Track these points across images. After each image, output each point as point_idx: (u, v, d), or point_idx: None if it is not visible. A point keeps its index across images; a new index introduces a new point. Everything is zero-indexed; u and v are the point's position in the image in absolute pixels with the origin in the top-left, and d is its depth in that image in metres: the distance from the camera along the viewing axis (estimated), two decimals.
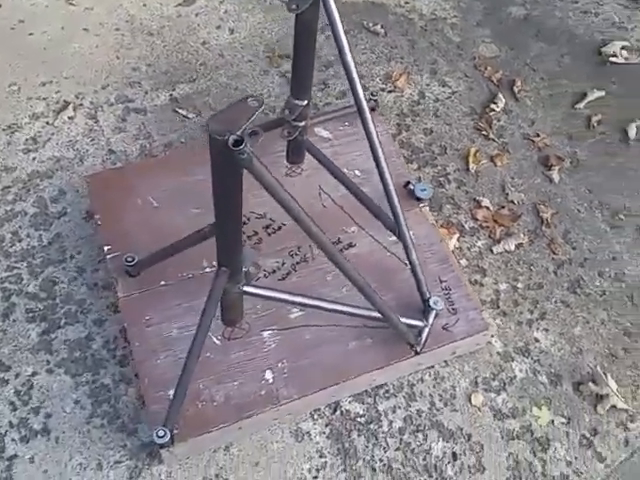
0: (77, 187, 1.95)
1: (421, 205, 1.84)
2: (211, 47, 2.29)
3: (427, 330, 1.61)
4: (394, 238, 1.79)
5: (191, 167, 1.86)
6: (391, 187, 1.62)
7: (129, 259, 1.65)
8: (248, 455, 1.60)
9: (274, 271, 1.73)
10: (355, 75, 1.51)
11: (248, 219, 1.80)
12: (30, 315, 1.75)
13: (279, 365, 1.60)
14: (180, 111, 2.13)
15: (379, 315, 1.55)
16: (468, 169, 2.07)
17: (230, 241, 1.30)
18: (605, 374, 1.73)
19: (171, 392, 1.53)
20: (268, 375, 1.59)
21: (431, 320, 1.62)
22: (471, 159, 2.08)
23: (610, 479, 1.63)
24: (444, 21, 2.43)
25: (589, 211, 2.03)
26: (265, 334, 1.64)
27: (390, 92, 2.22)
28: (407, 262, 1.74)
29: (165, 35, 2.31)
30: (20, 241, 1.85)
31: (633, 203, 2.06)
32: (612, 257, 1.95)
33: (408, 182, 1.85)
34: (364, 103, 1.55)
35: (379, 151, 1.62)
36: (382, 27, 2.37)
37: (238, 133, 1.05)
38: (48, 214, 1.91)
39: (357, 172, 1.90)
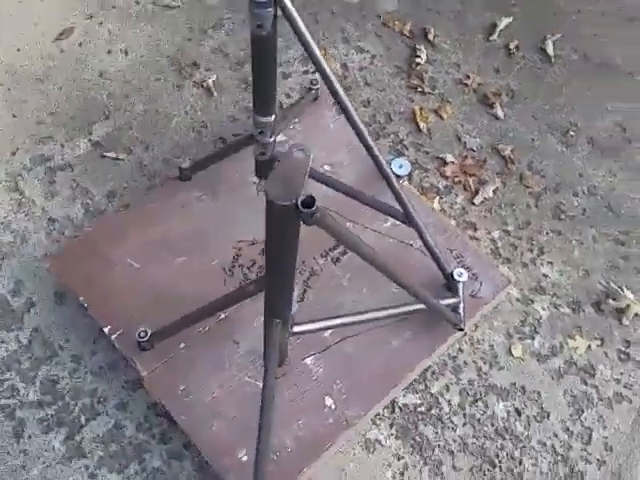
0: (33, 271, 1.75)
1: (401, 182, 1.81)
2: (111, 75, 2.09)
3: (462, 304, 1.60)
4: (388, 224, 1.76)
5: (156, 216, 1.72)
6: (384, 164, 1.54)
7: (142, 334, 1.51)
8: None
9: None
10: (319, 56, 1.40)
11: (239, 249, 1.69)
12: (45, 425, 1.57)
13: (334, 387, 1.54)
14: (108, 155, 1.94)
15: (414, 307, 1.52)
16: (420, 129, 2.05)
17: (285, 294, 1.20)
18: (620, 287, 1.80)
19: (240, 454, 1.44)
20: (328, 401, 1.52)
21: (461, 293, 1.61)
22: (419, 119, 2.05)
23: None
24: None
25: (542, 137, 2.08)
26: (308, 361, 1.56)
27: (315, 73, 2.14)
28: (411, 243, 1.71)
29: (55, 77, 2.08)
30: None
31: (576, 117, 2.12)
32: (579, 174, 2.02)
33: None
34: (336, 83, 1.44)
35: (364, 132, 1.53)
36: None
37: (303, 194, 0.96)
38: (14, 310, 1.69)
39: (327, 167, 1.83)
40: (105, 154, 1.94)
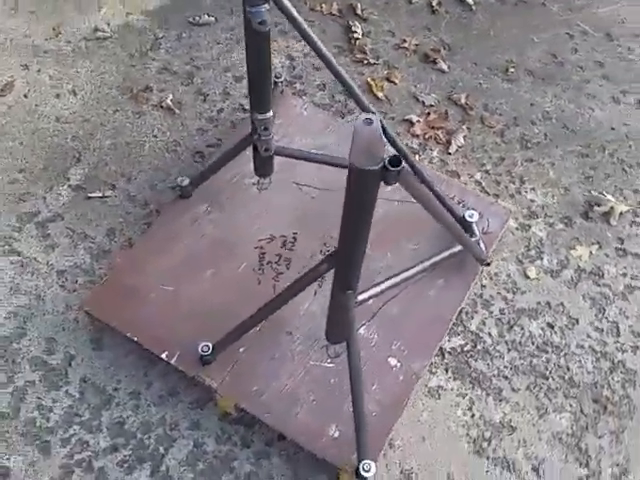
0: (60, 325, 1.72)
1: (386, 148, 1.90)
2: (68, 118, 2.07)
3: (481, 241, 1.72)
4: (388, 188, 1.84)
5: (171, 239, 1.74)
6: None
7: (205, 349, 1.53)
8: (411, 437, 1.63)
9: (323, 277, 1.70)
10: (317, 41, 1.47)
11: (262, 248, 1.74)
12: (126, 466, 1.56)
13: (393, 348, 1.62)
14: (93, 195, 1.93)
15: (442, 256, 1.63)
16: (378, 98, 2.15)
17: (360, 263, 1.27)
18: (600, 193, 1.98)
19: (331, 432, 1.51)
20: (392, 362, 1.60)
21: (477, 231, 1.73)
22: (375, 89, 2.15)
23: None
24: None
25: (487, 79, 2.23)
26: (362, 331, 1.64)
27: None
28: (413, 200, 1.81)
29: (12, 133, 2.03)
30: (52, 411, 1.62)
31: (510, 54, 2.29)
32: (530, 104, 2.18)
33: None
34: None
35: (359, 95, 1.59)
36: (210, 16, 2.30)
37: (389, 155, 1.03)
38: (55, 368, 1.67)
39: (313, 151, 1.90)
40: (90, 195, 1.93)
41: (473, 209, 1.79)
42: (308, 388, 1.56)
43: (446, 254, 1.63)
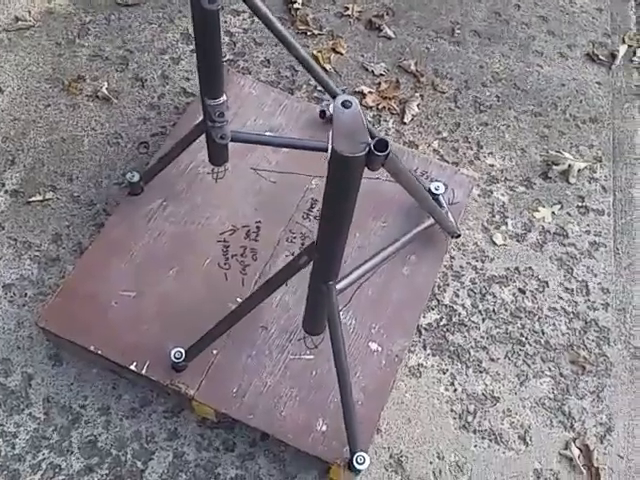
0: (14, 344, 1.60)
1: None
2: None
3: (449, 213, 1.68)
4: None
5: (127, 239, 1.63)
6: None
7: (177, 355, 1.45)
8: (397, 420, 1.60)
9: None
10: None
11: (225, 241, 1.65)
12: None
13: (373, 332, 1.57)
14: (33, 199, 1.79)
15: (414, 232, 1.59)
16: (327, 71, 2.06)
17: (341, 253, 1.20)
18: (557, 152, 1.96)
19: (319, 426, 1.46)
20: (373, 346, 1.55)
21: (444, 203, 1.69)
22: (322, 61, 2.07)
23: (617, 221, 1.90)
24: None
25: (434, 43, 2.17)
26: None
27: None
28: (377, 177, 1.75)
29: None
30: (16, 436, 1.50)
31: (454, 16, 2.23)
32: (479, 66, 2.14)
33: (322, 111, 1.81)
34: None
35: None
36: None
37: (375, 139, 0.96)
38: (14, 390, 1.55)
39: (269, 133, 1.80)
40: (29, 200, 1.79)
41: (438, 181, 1.74)
42: (290, 384, 1.50)
43: (419, 229, 1.58)
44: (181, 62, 2.05)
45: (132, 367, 1.48)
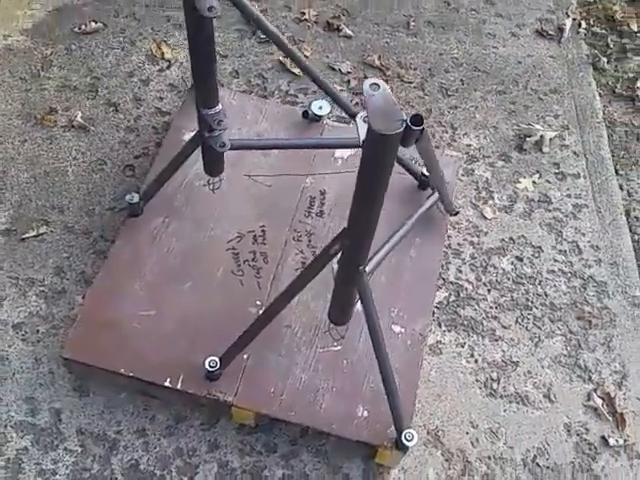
0: (36, 381, 1.57)
1: (326, 122, 1.87)
2: None
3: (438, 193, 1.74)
4: (339, 163, 1.82)
5: (135, 261, 1.62)
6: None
7: (212, 364, 1.45)
8: (427, 398, 1.64)
9: (303, 263, 1.66)
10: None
11: (234, 249, 1.66)
12: None
13: (392, 315, 1.61)
14: (27, 235, 1.76)
15: (419, 213, 1.64)
16: (296, 75, 2.10)
17: (372, 235, 1.24)
18: (528, 124, 2.06)
19: (359, 412, 1.49)
20: (396, 329, 1.59)
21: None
22: (290, 66, 2.10)
23: (594, 182, 2.00)
24: None
25: (392, 37, 2.24)
26: (358, 307, 1.60)
27: (169, 67, 2.08)
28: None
29: None
30: (56, 473, 1.47)
31: (406, 9, 2.31)
32: (439, 54, 2.22)
33: (305, 111, 1.85)
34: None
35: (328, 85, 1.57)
36: (97, 22, 2.14)
37: (411, 114, 1.00)
38: (44, 427, 1.52)
39: (256, 137, 1.83)
40: (24, 236, 1.76)
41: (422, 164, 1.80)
42: (324, 376, 1.52)
43: (422, 211, 1.64)
44: (151, 83, 2.05)
45: (166, 384, 1.48)
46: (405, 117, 1.01)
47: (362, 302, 1.34)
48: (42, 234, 1.77)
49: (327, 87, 1.64)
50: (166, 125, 1.96)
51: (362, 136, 1.11)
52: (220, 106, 1.49)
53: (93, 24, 2.13)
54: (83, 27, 2.12)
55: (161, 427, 1.55)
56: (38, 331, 1.64)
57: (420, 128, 1.02)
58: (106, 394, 1.57)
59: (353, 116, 1.63)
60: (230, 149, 1.56)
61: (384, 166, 1.08)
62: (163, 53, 2.10)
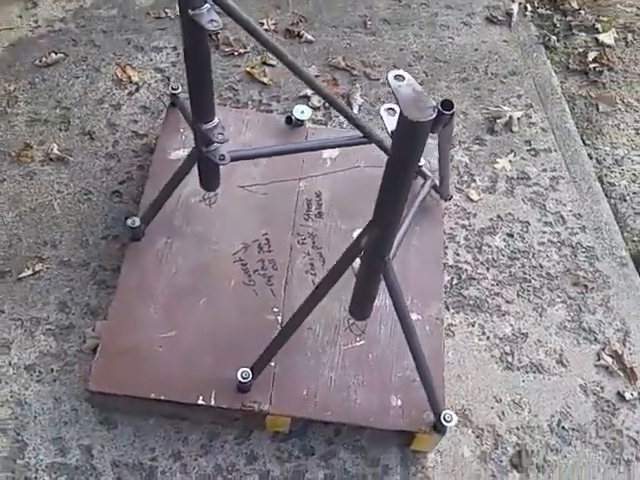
0: (60, 420, 1.53)
1: (308, 126, 1.89)
2: None
3: (435, 179, 1.79)
4: (328, 164, 1.85)
5: (145, 285, 1.61)
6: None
7: (245, 375, 1.45)
8: (449, 380, 1.67)
9: (312, 265, 1.67)
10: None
11: (241, 260, 1.66)
12: None
13: (407, 304, 1.60)
14: (23, 275, 1.71)
15: (417, 205, 1.68)
16: (266, 84, 2.12)
17: (398, 226, 1.26)
18: (496, 107, 2.13)
19: (394, 402, 1.51)
20: (414, 316, 1.62)
21: (428, 172, 1.79)
22: (258, 76, 2.11)
23: (565, 154, 2.08)
24: None
25: (351, 37, 2.29)
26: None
27: (138, 90, 2.06)
28: (358, 165, 1.84)
29: None
30: None
31: (359, 9, 2.37)
32: (399, 49, 2.28)
33: (289, 117, 1.86)
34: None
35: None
36: (56, 53, 2.10)
37: (441, 99, 1.04)
38: (78, 466, 1.48)
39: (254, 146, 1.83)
40: (20, 276, 1.71)
41: None
42: (353, 372, 1.54)
43: (420, 199, 1.68)
44: (122, 107, 2.02)
45: (200, 402, 1.46)
46: (434, 104, 1.05)
47: (390, 292, 1.36)
48: (38, 271, 1.72)
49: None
50: (145, 147, 1.95)
51: (390, 127, 1.15)
52: (217, 119, 1.50)
53: (54, 55, 2.09)
54: (44, 59, 2.08)
55: (196, 447, 1.53)
56: (52, 370, 1.60)
57: (450, 112, 1.06)
58: (134, 423, 1.55)
59: (368, 136, 1.62)
60: (230, 161, 1.57)
61: (415, 153, 1.11)
62: (130, 76, 2.08)
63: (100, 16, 2.23)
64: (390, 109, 1.22)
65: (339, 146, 1.74)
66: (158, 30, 2.21)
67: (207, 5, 1.26)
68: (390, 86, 1.06)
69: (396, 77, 1.07)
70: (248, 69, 2.14)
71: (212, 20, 1.26)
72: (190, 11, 1.25)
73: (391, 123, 1.14)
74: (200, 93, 1.43)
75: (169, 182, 1.61)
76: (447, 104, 1.08)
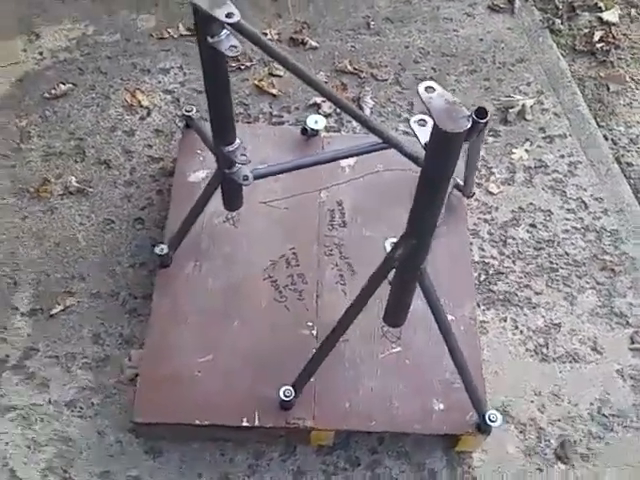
0: (106, 454, 1.54)
1: (323, 135, 1.89)
2: None
3: (457, 178, 1.78)
4: (347, 171, 1.84)
5: (178, 309, 1.61)
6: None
7: (287, 393, 1.46)
8: (486, 377, 1.67)
9: (341, 276, 1.68)
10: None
11: (270, 277, 1.66)
12: None
13: (445, 303, 1.64)
14: (55, 311, 1.72)
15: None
16: (275, 96, 2.12)
17: (432, 235, 1.26)
18: (508, 96, 2.13)
19: (435, 405, 1.52)
20: (448, 318, 1.62)
21: None
22: (267, 88, 2.12)
23: (580, 138, 2.07)
24: None
25: (355, 39, 2.28)
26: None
27: (149, 114, 2.07)
28: (377, 170, 1.83)
29: None
30: None
31: (361, 10, 2.35)
32: (404, 47, 2.27)
33: (304, 129, 1.86)
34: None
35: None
36: (65, 83, 2.11)
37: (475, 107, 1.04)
38: None
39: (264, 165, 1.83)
40: (52, 313, 1.72)
41: None
42: (392, 379, 1.54)
43: (446, 200, 1.68)
44: (136, 133, 2.03)
45: (244, 423, 1.48)
46: (468, 113, 1.04)
47: (427, 298, 1.36)
48: (70, 306, 1.74)
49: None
50: (162, 171, 1.95)
51: (423, 139, 1.14)
52: (238, 140, 1.50)
53: (62, 86, 2.09)
54: (53, 91, 2.08)
55: (243, 467, 1.55)
56: (93, 404, 1.61)
57: (485, 120, 1.05)
58: (179, 449, 1.56)
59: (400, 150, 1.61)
60: (253, 180, 1.58)
61: (451, 164, 1.11)
62: (139, 101, 2.08)
63: (104, 42, 2.23)
64: (421, 120, 1.21)
65: (360, 154, 1.73)
66: (162, 51, 2.21)
67: (225, 31, 1.26)
68: (421, 99, 1.06)
69: (427, 89, 1.07)
70: (256, 82, 2.14)
71: (232, 46, 1.26)
72: (209, 39, 1.25)
73: (423, 134, 1.13)
74: (221, 116, 1.44)
75: (194, 207, 1.61)
76: (481, 112, 1.07)
